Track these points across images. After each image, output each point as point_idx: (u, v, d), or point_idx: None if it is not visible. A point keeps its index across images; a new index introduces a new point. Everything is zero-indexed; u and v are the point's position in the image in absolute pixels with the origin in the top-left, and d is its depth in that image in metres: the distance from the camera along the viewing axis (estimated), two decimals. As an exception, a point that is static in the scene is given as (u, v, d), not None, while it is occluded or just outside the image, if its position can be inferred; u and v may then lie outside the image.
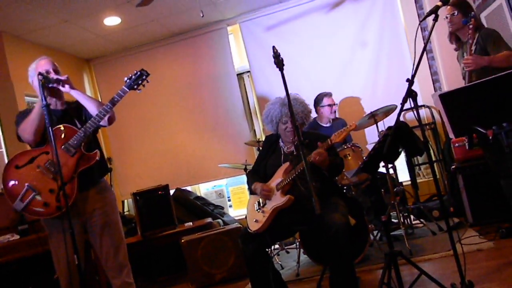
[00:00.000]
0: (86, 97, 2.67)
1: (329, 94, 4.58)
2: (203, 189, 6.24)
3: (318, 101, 4.59)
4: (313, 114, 4.53)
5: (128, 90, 2.61)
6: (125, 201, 6.02)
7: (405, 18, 5.18)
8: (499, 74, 1.80)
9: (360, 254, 3.48)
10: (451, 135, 1.95)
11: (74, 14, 4.59)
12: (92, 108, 2.60)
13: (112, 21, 4.95)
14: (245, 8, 5.44)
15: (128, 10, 4.67)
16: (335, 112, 4.61)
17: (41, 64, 2.69)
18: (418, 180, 5.05)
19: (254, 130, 5.89)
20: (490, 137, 1.84)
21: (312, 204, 2.24)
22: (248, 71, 5.79)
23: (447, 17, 3.26)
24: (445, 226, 3.94)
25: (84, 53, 5.87)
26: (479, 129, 1.85)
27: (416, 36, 2.38)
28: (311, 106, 4.53)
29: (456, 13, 3.21)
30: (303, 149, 2.08)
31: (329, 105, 4.53)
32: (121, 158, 6.02)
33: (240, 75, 5.91)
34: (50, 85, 2.56)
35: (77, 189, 2.52)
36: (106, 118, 2.58)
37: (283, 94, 5.00)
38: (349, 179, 3.87)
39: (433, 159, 5.16)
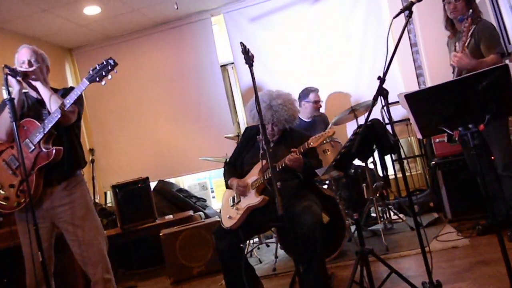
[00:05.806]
0: (47, 93, 2.52)
1: (316, 90, 4.49)
2: (187, 182, 6.19)
3: (304, 95, 4.49)
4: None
5: (88, 82, 2.45)
6: (108, 192, 5.96)
7: (390, 10, 5.10)
8: (465, 75, 1.76)
9: (336, 249, 3.47)
10: (418, 135, 1.93)
11: (51, 3, 4.48)
12: (51, 105, 2.49)
13: (92, 10, 4.84)
14: (229, -3, 5.35)
15: (107, -1, 4.59)
16: (319, 108, 4.54)
17: (21, 54, 2.61)
18: (400, 175, 5.04)
19: (238, 123, 5.84)
20: (456, 138, 1.82)
21: (286, 203, 2.23)
22: (232, 63, 5.71)
23: (450, 2, 3.16)
24: (425, 221, 4.00)
25: (66, 42, 5.77)
26: (446, 130, 1.82)
27: (388, 33, 2.34)
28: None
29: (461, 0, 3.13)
30: (269, 153, 2.06)
31: (315, 101, 4.45)
32: (104, 149, 5.94)
33: (224, 67, 5.83)
34: (18, 78, 2.49)
35: (40, 185, 2.46)
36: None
37: (268, 86, 5.04)
38: (330, 174, 3.84)
39: (416, 153, 5.19)
